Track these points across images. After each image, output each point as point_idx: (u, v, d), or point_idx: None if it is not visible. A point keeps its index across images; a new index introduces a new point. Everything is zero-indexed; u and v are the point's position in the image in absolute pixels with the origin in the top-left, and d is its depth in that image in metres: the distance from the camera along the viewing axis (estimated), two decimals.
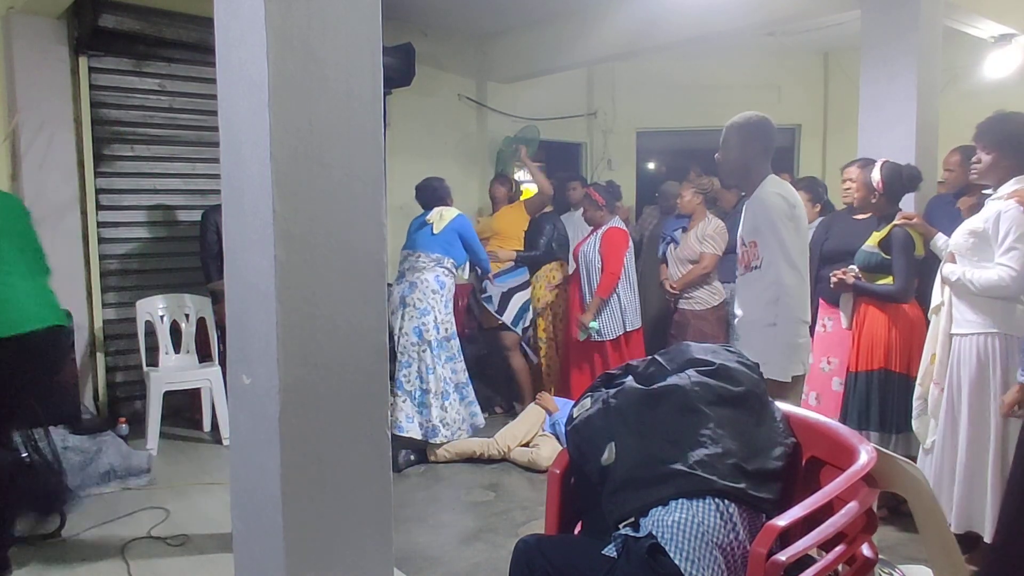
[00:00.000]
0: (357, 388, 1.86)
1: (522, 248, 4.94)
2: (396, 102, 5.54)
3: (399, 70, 5.14)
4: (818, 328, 3.46)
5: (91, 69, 4.44)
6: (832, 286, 3.26)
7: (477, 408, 4.29)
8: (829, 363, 3.45)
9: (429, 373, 4.08)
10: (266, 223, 1.72)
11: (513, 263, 4.83)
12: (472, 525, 3.29)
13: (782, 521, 1.48)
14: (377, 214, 1.88)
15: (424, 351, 4.08)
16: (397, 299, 4.13)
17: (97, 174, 4.50)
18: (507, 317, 4.72)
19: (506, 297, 4.74)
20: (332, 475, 1.83)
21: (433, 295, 4.13)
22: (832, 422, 1.88)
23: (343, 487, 1.86)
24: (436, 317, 4.11)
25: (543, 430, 4.12)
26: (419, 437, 4.03)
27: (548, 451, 3.88)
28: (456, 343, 4.25)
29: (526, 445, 4.05)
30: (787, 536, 1.48)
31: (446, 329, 4.17)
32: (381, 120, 1.88)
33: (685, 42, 5.34)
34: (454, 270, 4.29)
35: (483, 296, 4.81)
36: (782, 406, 1.90)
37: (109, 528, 3.15)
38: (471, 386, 4.31)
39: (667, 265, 4.58)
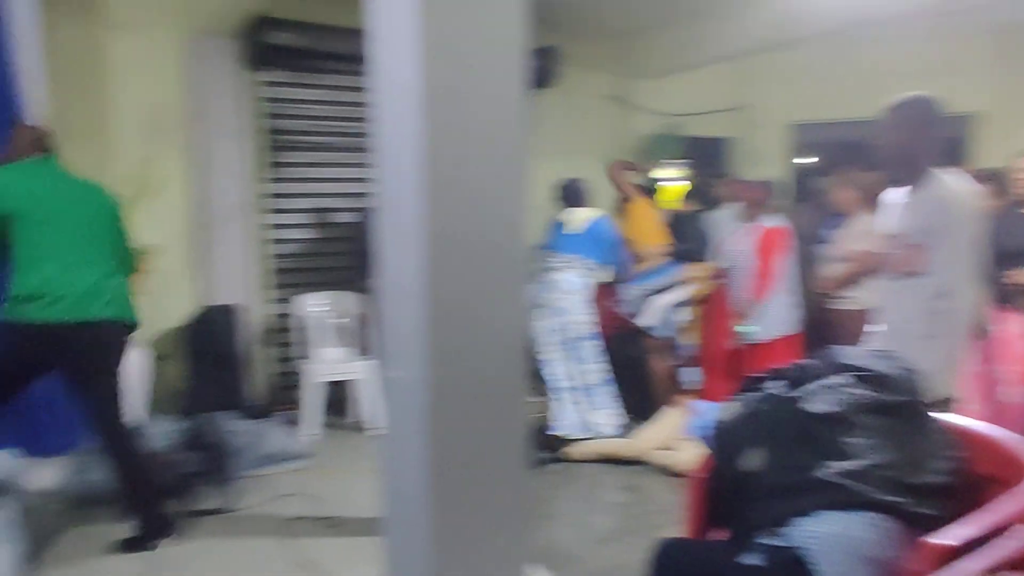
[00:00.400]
0: (498, 385, 1.91)
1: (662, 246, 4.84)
2: (541, 103, 5.61)
3: (544, 71, 5.21)
4: (989, 333, 3.17)
5: (262, 83, 4.82)
6: (1014, 288, 2.97)
7: (616, 409, 4.27)
8: (999, 370, 3.15)
9: (566, 373, 4.11)
10: (416, 224, 1.80)
11: (661, 263, 4.73)
12: (610, 525, 3.28)
13: (944, 540, 1.38)
14: (520, 215, 1.92)
15: (560, 351, 4.12)
16: (534, 299, 4.18)
17: (266, 180, 4.88)
18: (646, 320, 4.64)
19: (646, 299, 4.66)
20: (476, 468, 1.89)
21: (569, 295, 4.14)
22: (1009, 436, 1.72)
23: (485, 480, 1.91)
24: (572, 317, 4.13)
25: (683, 433, 4.03)
26: (564, 435, 4.06)
27: (688, 455, 3.79)
28: (595, 344, 4.25)
29: (665, 448, 3.98)
30: (952, 558, 1.38)
31: (583, 329, 4.18)
32: (526, 122, 1.92)
33: (840, 29, 5.04)
34: (592, 270, 4.28)
35: (622, 298, 4.76)
36: (949, 417, 1.76)
37: (268, 507, 3.41)
38: (610, 387, 4.29)
39: (822, 265, 4.35)
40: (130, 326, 3.07)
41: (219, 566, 2.82)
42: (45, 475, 3.59)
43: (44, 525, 3.27)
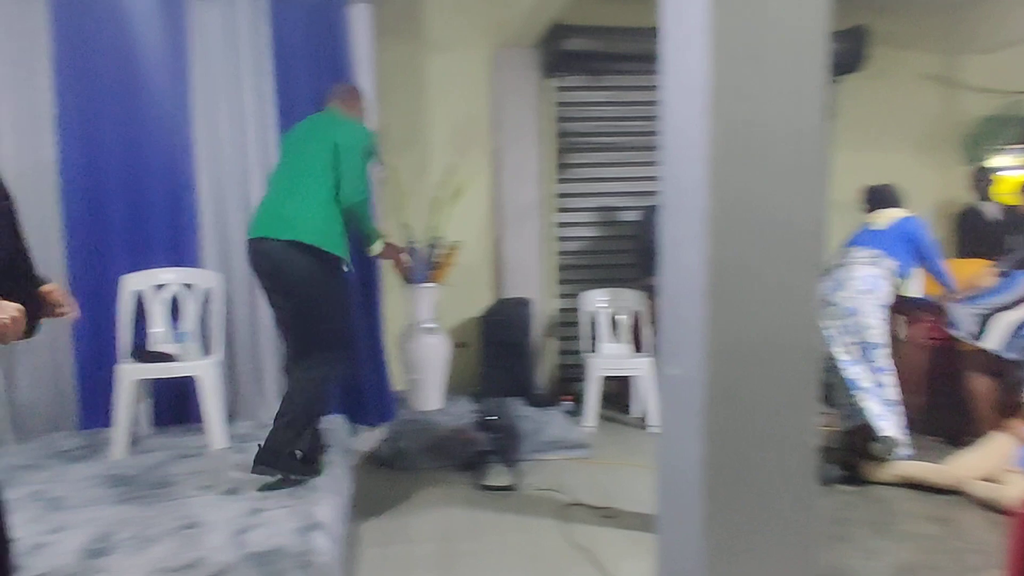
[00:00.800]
0: (785, 391, 1.81)
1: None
2: (845, 89, 5.17)
3: (849, 55, 4.80)
4: None
5: (556, 88, 5.07)
6: None
7: (904, 429, 3.78)
8: None
9: (853, 380, 3.73)
10: (701, 221, 1.77)
11: (1000, 280, 4.04)
12: (911, 558, 2.93)
13: None
14: (816, 212, 1.80)
15: (847, 355, 3.74)
16: (823, 297, 3.82)
17: (557, 181, 5.13)
18: (989, 342, 3.92)
19: (988, 319, 3.94)
20: (755, 475, 1.81)
21: (862, 295, 3.73)
22: None
23: (765, 489, 1.83)
24: (862, 319, 3.72)
25: (1014, 464, 3.45)
26: (872, 443, 3.70)
27: (1017, 489, 3.24)
28: (885, 352, 3.78)
29: (990, 479, 3.44)
30: None
31: (874, 335, 3.74)
32: (825, 113, 1.79)
33: None
34: (894, 273, 3.81)
35: (950, 317, 4.08)
36: None
37: (548, 491, 3.57)
38: (899, 405, 3.81)
39: None
40: (314, 251, 2.98)
41: (504, 538, 3.04)
42: (366, 440, 4.16)
43: (362, 482, 3.79)
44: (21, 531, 2.53)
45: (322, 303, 3.06)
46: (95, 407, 3.81)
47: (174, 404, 3.94)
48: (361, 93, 3.39)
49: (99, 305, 3.80)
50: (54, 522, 2.63)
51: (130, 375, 3.46)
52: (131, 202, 3.85)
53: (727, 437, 1.79)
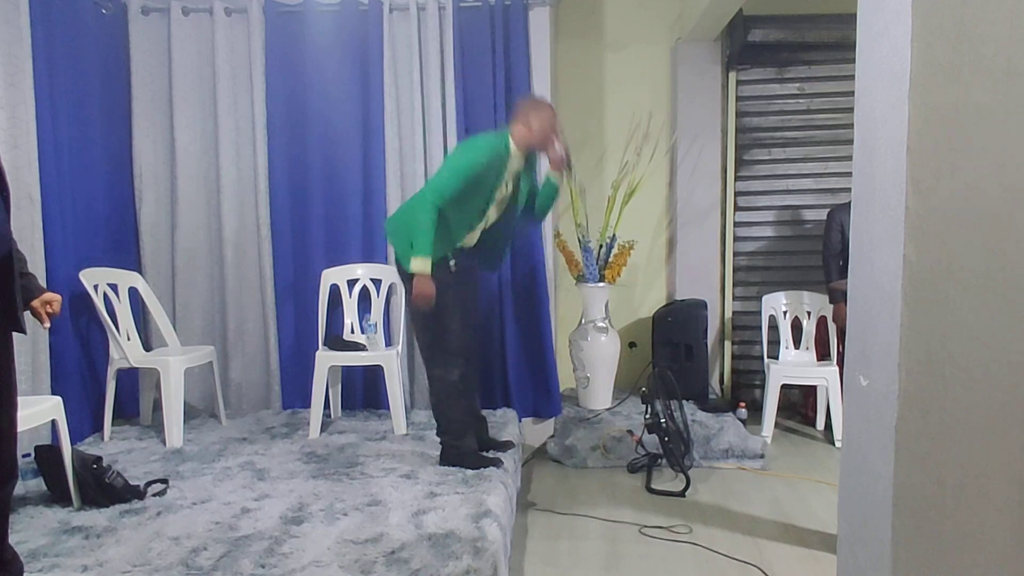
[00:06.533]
0: (996, 410, 1.63)
1: None
2: None
3: None
4: None
5: (738, 82, 4.88)
6: None
7: None
8: None
9: None
10: (897, 220, 1.64)
11: None
12: None
13: None
14: None
15: None
16: None
17: (737, 178, 4.94)
18: None
19: None
20: (953, 500, 1.65)
21: None
22: None
23: (967, 520, 1.65)
24: None
25: None
26: None
27: None
28: None
29: None
30: None
31: None
32: None
33: None
34: None
35: None
36: None
37: (723, 499, 3.46)
38: None
39: None
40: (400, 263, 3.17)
41: (672, 544, 2.98)
42: (536, 435, 4.24)
43: (532, 476, 3.87)
44: (234, 496, 2.85)
45: (420, 313, 3.12)
46: (295, 389, 4.19)
47: (360, 391, 4.24)
48: (520, 107, 3.25)
49: (301, 296, 4.17)
50: (260, 490, 2.92)
51: (326, 361, 3.76)
52: (329, 202, 4.18)
53: (922, 458, 1.65)
